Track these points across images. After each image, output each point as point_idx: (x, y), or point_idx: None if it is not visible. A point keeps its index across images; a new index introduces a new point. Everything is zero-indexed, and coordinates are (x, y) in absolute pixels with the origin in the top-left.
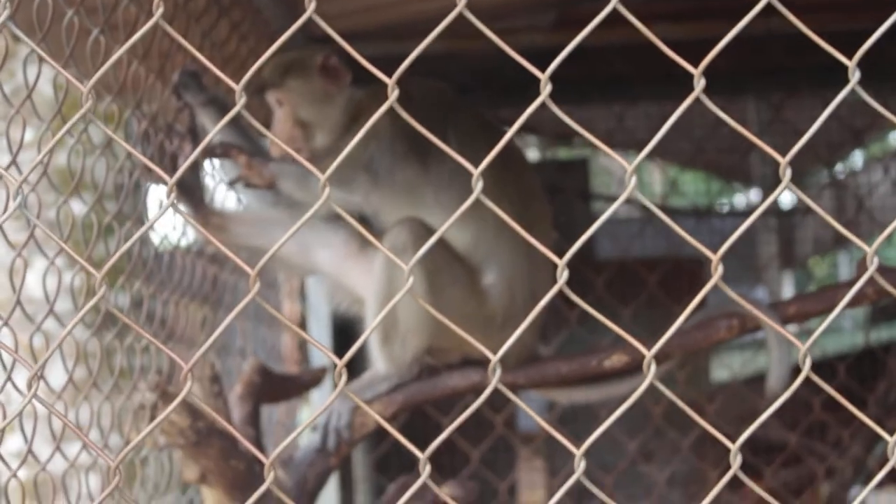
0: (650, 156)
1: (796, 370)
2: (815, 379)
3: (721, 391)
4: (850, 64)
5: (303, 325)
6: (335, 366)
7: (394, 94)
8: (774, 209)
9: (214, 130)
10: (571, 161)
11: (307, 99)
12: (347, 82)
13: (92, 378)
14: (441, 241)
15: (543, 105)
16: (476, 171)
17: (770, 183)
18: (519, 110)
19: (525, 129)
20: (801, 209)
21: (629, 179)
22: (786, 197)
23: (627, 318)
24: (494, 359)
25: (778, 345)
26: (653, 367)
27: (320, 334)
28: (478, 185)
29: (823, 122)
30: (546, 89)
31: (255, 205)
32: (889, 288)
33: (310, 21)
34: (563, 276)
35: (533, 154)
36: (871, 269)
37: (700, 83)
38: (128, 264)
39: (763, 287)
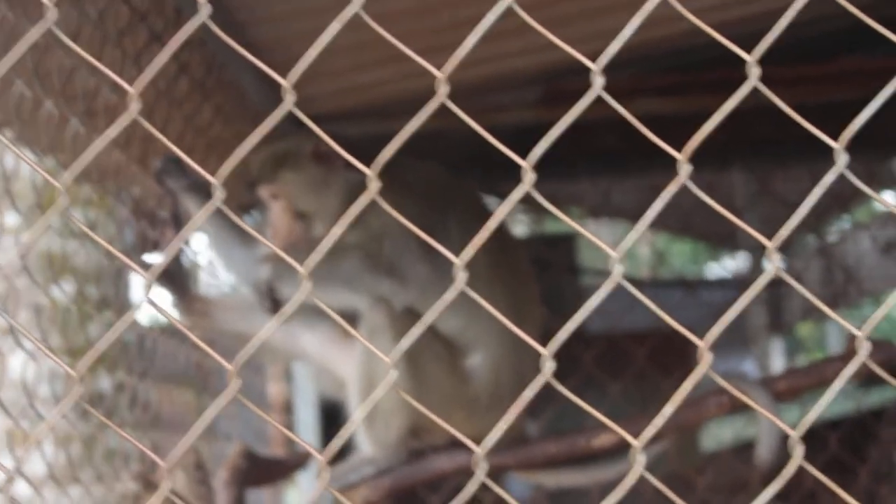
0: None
1: (786, 438)
2: (808, 466)
3: (711, 462)
4: (837, 146)
5: (290, 407)
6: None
7: (374, 186)
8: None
9: (196, 218)
10: (559, 235)
11: (303, 189)
12: (342, 166)
13: (73, 467)
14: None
15: (539, 177)
16: (459, 262)
17: (759, 251)
18: (513, 186)
19: (521, 201)
20: (792, 277)
21: (613, 265)
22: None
23: (617, 393)
24: (480, 451)
25: (766, 418)
26: (640, 458)
27: (307, 416)
28: (461, 277)
29: (805, 192)
30: (528, 177)
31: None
32: (875, 368)
33: (297, 105)
34: (548, 367)
35: (521, 229)
36: (863, 353)
37: (686, 168)
38: (111, 349)
39: (752, 356)
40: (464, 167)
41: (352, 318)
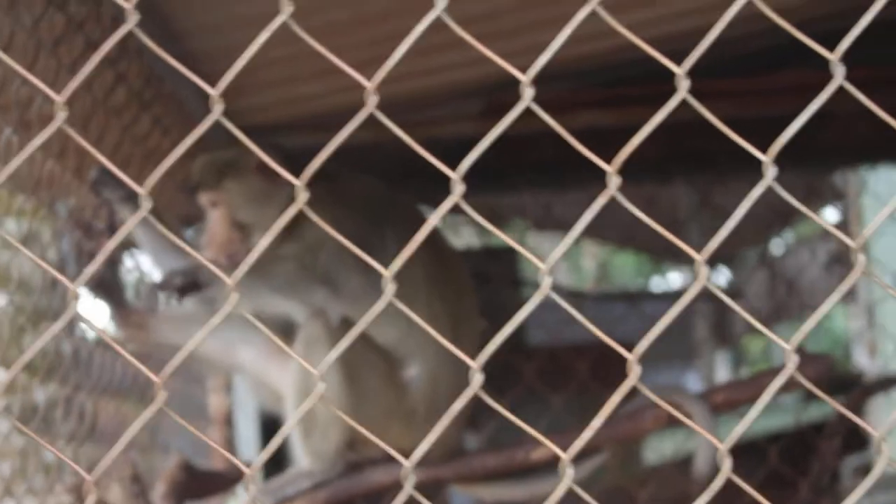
0: (583, 237)
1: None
2: (738, 481)
3: (653, 475)
4: (766, 159)
5: (230, 419)
6: (264, 463)
7: (303, 197)
8: (706, 292)
9: (126, 227)
10: (502, 248)
11: (244, 199)
12: (285, 180)
13: (6, 481)
14: (361, 335)
15: (474, 188)
16: (388, 273)
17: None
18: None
19: (459, 209)
20: (733, 290)
21: (543, 278)
22: (720, 279)
23: (558, 406)
24: (408, 465)
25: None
26: (569, 472)
27: (248, 429)
28: (390, 289)
29: (750, 206)
30: (458, 189)
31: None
32: (806, 382)
33: (233, 116)
34: (476, 379)
35: (469, 241)
36: (791, 366)
37: (615, 181)
38: (45, 361)
39: (696, 368)
40: (403, 179)
41: (289, 330)
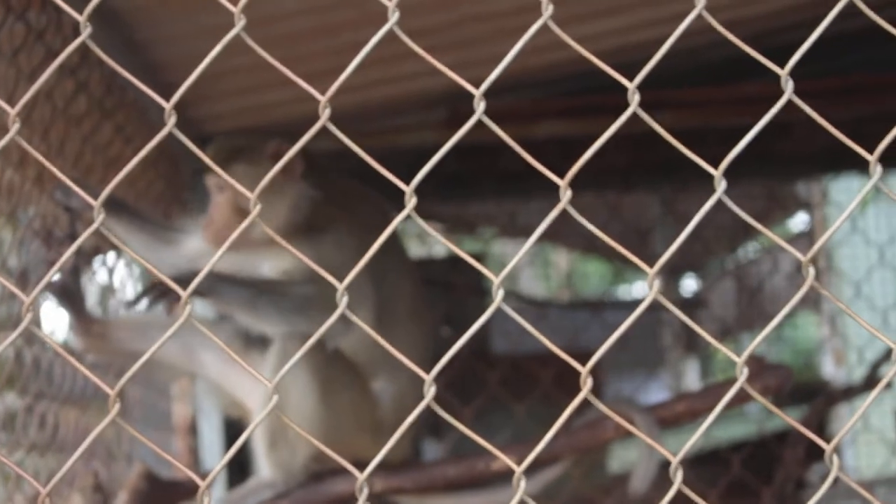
0: (553, 242)
1: (668, 464)
2: (688, 492)
3: (617, 483)
4: (717, 173)
5: (194, 428)
6: (228, 469)
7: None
8: (675, 299)
9: (81, 238)
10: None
11: (252, 187)
12: (299, 175)
13: None
14: (336, 350)
15: (442, 196)
16: (341, 287)
17: (668, 270)
18: (419, 205)
19: (429, 216)
20: (698, 300)
21: (496, 291)
22: (688, 285)
23: (522, 414)
24: (362, 477)
25: (645, 444)
26: (522, 484)
27: (212, 436)
28: (343, 300)
29: (717, 216)
30: (412, 201)
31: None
32: (755, 394)
33: (199, 123)
34: (430, 391)
35: (427, 249)
36: (741, 379)
37: (567, 194)
38: (6, 370)
39: (664, 376)
40: (373, 185)
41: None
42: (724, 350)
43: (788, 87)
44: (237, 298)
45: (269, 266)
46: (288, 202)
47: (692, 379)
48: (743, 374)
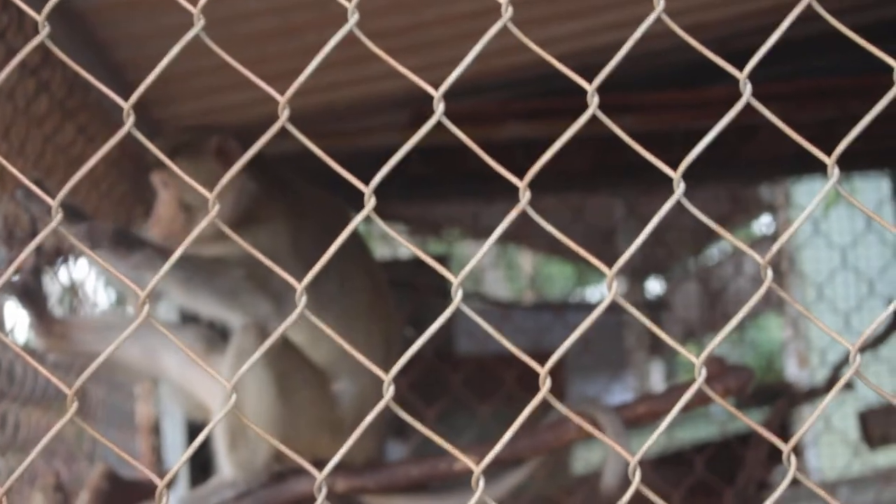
0: (517, 243)
1: (641, 464)
2: (648, 493)
3: (581, 484)
4: (675, 176)
5: (157, 427)
6: (191, 468)
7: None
8: (640, 301)
9: (39, 237)
10: (432, 257)
11: (196, 182)
12: (242, 170)
13: None
14: (292, 348)
15: (406, 197)
16: (300, 287)
17: (632, 272)
18: (380, 206)
19: (393, 217)
20: (662, 301)
21: (455, 292)
22: (653, 287)
23: (486, 415)
24: (320, 477)
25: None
26: (481, 483)
27: (174, 437)
28: (302, 300)
29: (681, 215)
30: (370, 203)
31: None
32: (716, 396)
33: (165, 124)
34: (388, 391)
35: (391, 250)
36: (700, 380)
37: (526, 196)
38: None
39: (628, 377)
40: (333, 187)
41: (216, 333)
42: (682, 352)
43: (747, 90)
44: (174, 276)
45: (207, 254)
46: (230, 197)
47: (657, 380)
48: (702, 375)
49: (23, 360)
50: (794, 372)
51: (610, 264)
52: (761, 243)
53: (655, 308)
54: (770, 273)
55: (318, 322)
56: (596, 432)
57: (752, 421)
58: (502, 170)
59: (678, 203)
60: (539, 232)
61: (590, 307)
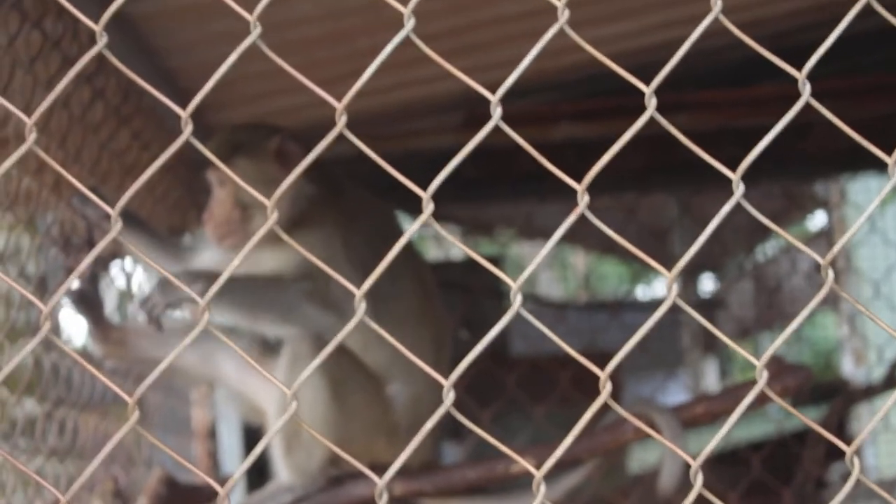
0: (571, 243)
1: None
2: (708, 495)
3: (637, 484)
4: (735, 177)
5: (213, 432)
6: (247, 473)
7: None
8: (693, 300)
9: (99, 246)
10: (486, 258)
11: (253, 181)
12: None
13: None
14: (346, 353)
15: (459, 199)
16: (359, 293)
17: (685, 271)
18: (437, 208)
19: (446, 219)
20: (717, 300)
21: (514, 296)
22: (707, 285)
23: (541, 417)
24: (381, 483)
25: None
26: (542, 488)
27: (231, 441)
28: (361, 307)
29: (735, 214)
30: (429, 207)
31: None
32: (771, 395)
33: (216, 129)
34: (448, 396)
35: (444, 252)
36: (761, 382)
37: (584, 199)
38: (25, 376)
39: (683, 376)
40: (387, 191)
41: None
42: (743, 353)
43: (806, 90)
44: (239, 305)
45: (265, 264)
46: (287, 199)
47: (711, 379)
48: (763, 377)
49: (80, 367)
50: (850, 370)
51: (664, 264)
52: (815, 240)
53: (710, 306)
54: (831, 272)
55: (376, 328)
56: (654, 434)
57: (809, 419)
58: (560, 173)
59: (725, 202)
60: (593, 232)
61: (646, 306)
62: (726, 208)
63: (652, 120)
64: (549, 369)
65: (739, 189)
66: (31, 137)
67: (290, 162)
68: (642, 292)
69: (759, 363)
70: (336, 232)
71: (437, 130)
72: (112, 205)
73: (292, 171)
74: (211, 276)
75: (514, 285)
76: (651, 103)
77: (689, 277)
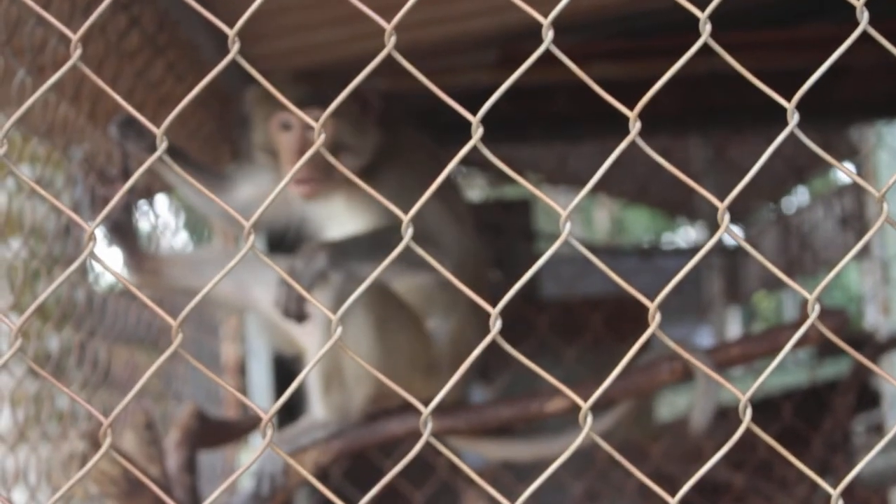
0: (595, 193)
1: (723, 410)
2: (756, 430)
3: (666, 430)
4: (790, 106)
5: (243, 368)
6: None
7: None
8: (719, 248)
9: (143, 168)
10: (515, 201)
11: (346, 122)
12: (374, 118)
13: (19, 426)
14: (388, 288)
15: (495, 140)
16: (406, 218)
17: (715, 219)
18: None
19: (473, 165)
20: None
21: (563, 225)
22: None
23: (571, 359)
24: (426, 412)
25: (703, 383)
26: (589, 419)
27: (261, 377)
28: (408, 232)
29: (766, 161)
30: (478, 133)
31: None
32: (829, 334)
33: (251, 62)
34: (496, 325)
35: (478, 193)
36: (813, 316)
37: (636, 126)
38: (58, 307)
39: (708, 324)
40: (420, 129)
41: None
42: (796, 287)
43: (864, 17)
44: (365, 267)
45: (351, 218)
46: (371, 141)
47: (734, 328)
48: (815, 311)
49: (113, 299)
50: (873, 319)
51: (690, 212)
52: (845, 191)
53: (735, 255)
54: (885, 206)
55: (429, 259)
56: (703, 367)
57: (837, 369)
58: (613, 100)
59: (760, 146)
60: (622, 177)
61: (675, 252)
62: (780, 138)
63: (690, 60)
64: (581, 312)
65: (794, 118)
66: (77, 53)
67: (368, 106)
68: (668, 240)
69: (810, 296)
70: (409, 171)
71: (472, 68)
72: (149, 136)
73: (368, 115)
74: (326, 246)
75: (564, 213)
76: (706, 29)
77: (712, 225)
